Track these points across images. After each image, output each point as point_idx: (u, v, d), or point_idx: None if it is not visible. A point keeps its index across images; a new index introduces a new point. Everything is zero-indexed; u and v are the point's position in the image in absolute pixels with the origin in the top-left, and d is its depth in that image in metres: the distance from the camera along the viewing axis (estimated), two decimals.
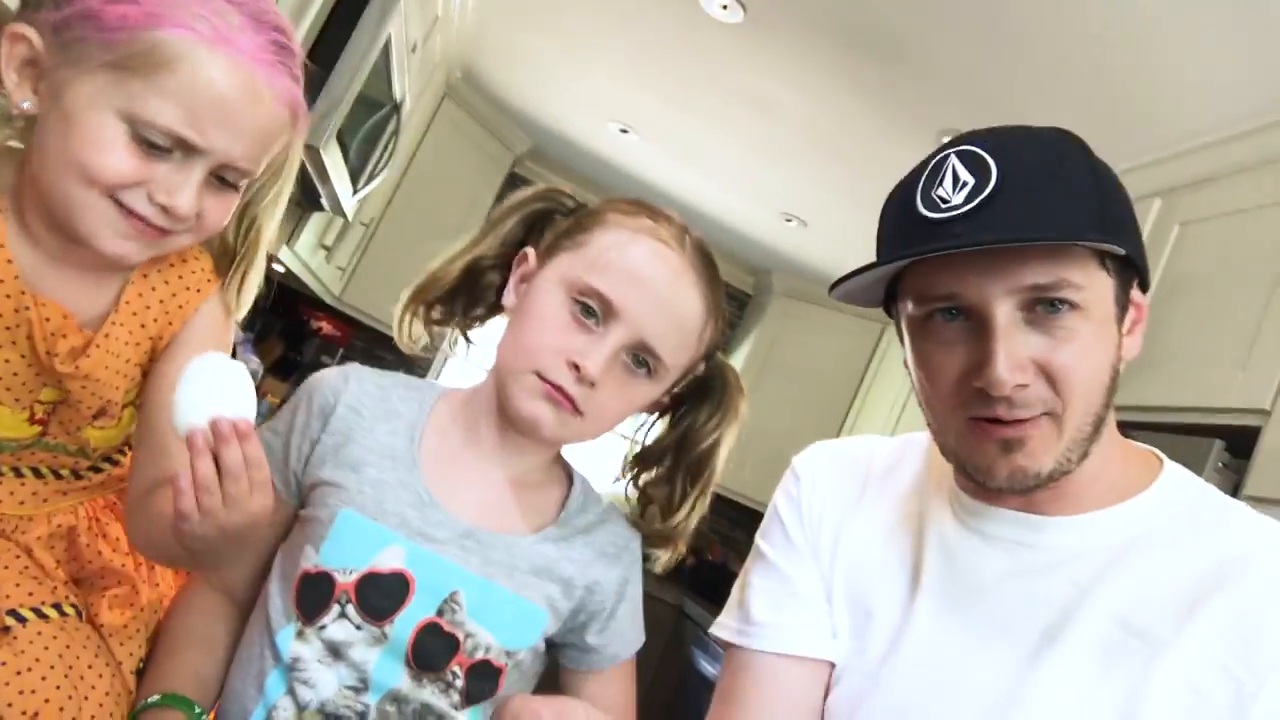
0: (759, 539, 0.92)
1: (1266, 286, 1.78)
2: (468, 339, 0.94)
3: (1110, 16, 1.86)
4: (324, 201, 2.33)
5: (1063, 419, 0.72)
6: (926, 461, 0.89)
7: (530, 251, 0.86)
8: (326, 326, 3.97)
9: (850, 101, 2.71)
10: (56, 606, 0.78)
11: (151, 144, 0.67)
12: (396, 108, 2.29)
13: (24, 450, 0.79)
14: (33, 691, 0.72)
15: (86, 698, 0.75)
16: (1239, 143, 2.00)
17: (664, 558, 0.90)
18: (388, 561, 0.77)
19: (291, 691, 0.76)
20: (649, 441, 0.92)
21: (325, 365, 4.25)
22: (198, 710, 0.77)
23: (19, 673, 0.72)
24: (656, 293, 0.79)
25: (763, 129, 3.16)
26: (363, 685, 0.76)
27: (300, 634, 0.77)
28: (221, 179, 0.72)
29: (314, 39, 1.68)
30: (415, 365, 4.60)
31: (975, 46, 2.14)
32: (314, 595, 0.77)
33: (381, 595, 0.76)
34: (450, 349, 0.97)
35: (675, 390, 0.88)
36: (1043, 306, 0.70)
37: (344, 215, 2.59)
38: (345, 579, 0.76)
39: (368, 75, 1.83)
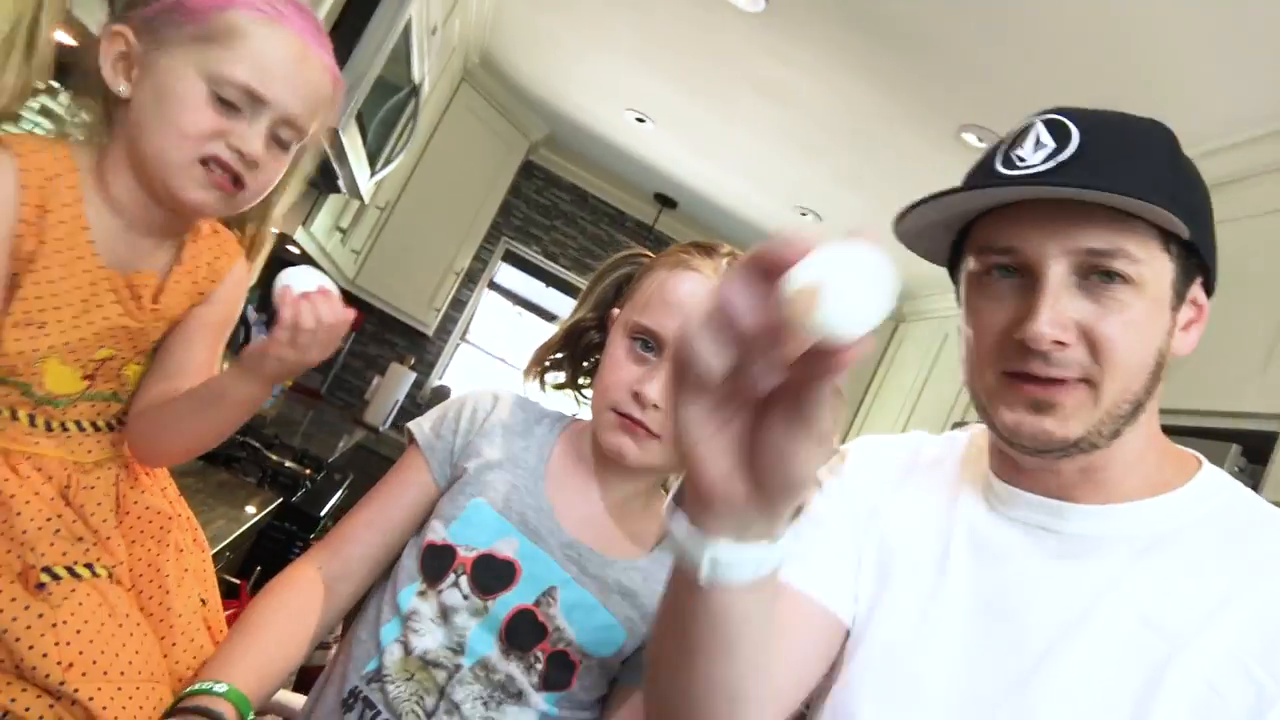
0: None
1: None
2: (581, 394, 1.05)
3: (1132, 15, 1.84)
4: (341, 183, 2.33)
5: (1100, 388, 0.72)
6: (964, 453, 0.90)
7: (616, 311, 0.97)
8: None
9: (869, 94, 2.69)
10: (89, 566, 0.84)
11: (226, 101, 0.83)
12: (415, 90, 2.28)
13: (70, 405, 0.90)
14: (68, 643, 0.78)
15: (118, 654, 0.81)
16: (1261, 144, 1.98)
17: None
18: (504, 549, 0.89)
19: (404, 639, 0.88)
20: None
21: (337, 348, 4.27)
22: (250, 717, 0.80)
23: (54, 625, 0.79)
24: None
25: (780, 120, 3.14)
26: (460, 648, 0.87)
27: (422, 593, 0.89)
28: (278, 139, 0.87)
29: (335, 19, 1.67)
30: (428, 348, 4.61)
31: (995, 42, 2.12)
32: (436, 563, 0.89)
33: (492, 576, 0.89)
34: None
35: None
36: (1097, 275, 0.71)
37: (360, 198, 2.58)
38: (465, 554, 0.89)
39: (388, 57, 1.83)
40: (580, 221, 4.84)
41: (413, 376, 4.31)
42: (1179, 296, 0.74)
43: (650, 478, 0.97)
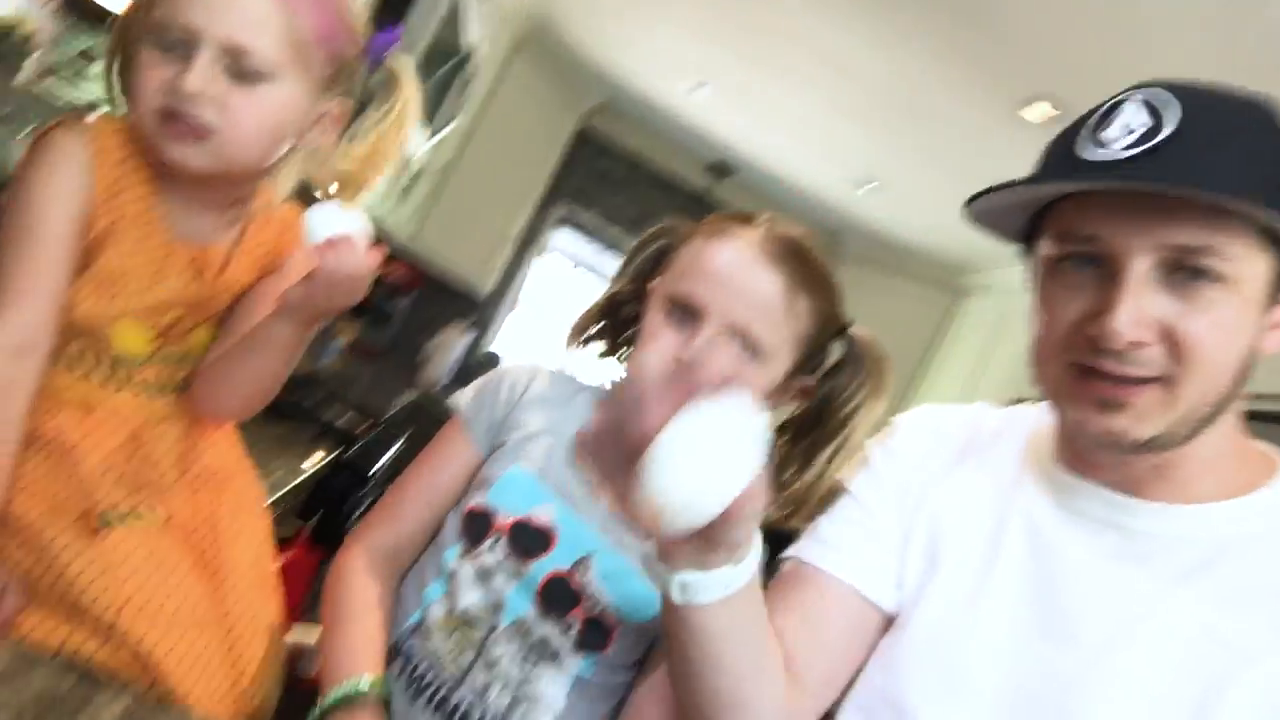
0: (845, 483, 0.91)
1: None
2: (620, 361, 1.04)
3: None
4: None
5: (1177, 389, 0.68)
6: (1030, 434, 0.86)
7: (653, 283, 0.96)
8: (396, 271, 4.04)
9: (929, 62, 2.63)
10: (145, 513, 0.87)
11: (167, 48, 0.81)
12: (468, 57, 2.31)
13: (141, 366, 0.93)
14: (121, 585, 0.81)
15: (169, 597, 0.83)
16: None
17: (799, 517, 0.92)
18: (541, 515, 0.90)
19: (446, 598, 0.90)
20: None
21: (391, 310, 4.36)
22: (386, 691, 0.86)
23: (108, 568, 0.81)
24: (731, 282, 0.87)
25: (839, 88, 3.09)
26: (498, 607, 0.89)
27: (464, 554, 0.91)
28: (235, 72, 0.83)
29: None
30: (484, 312, 4.67)
31: (1066, 9, 2.05)
32: (477, 527, 0.91)
33: (529, 540, 0.90)
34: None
35: (810, 371, 0.94)
36: (1185, 272, 0.66)
37: (416, 162, 2.62)
38: (503, 520, 0.90)
39: (440, 23, 1.84)
40: (636, 187, 4.82)
41: (468, 339, 4.37)
42: (1275, 296, 0.69)
43: None
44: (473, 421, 0.98)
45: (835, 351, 0.97)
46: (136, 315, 0.90)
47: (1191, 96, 0.68)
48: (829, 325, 0.94)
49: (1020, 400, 0.97)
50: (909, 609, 0.81)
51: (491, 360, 4.43)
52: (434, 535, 0.97)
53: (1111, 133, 0.69)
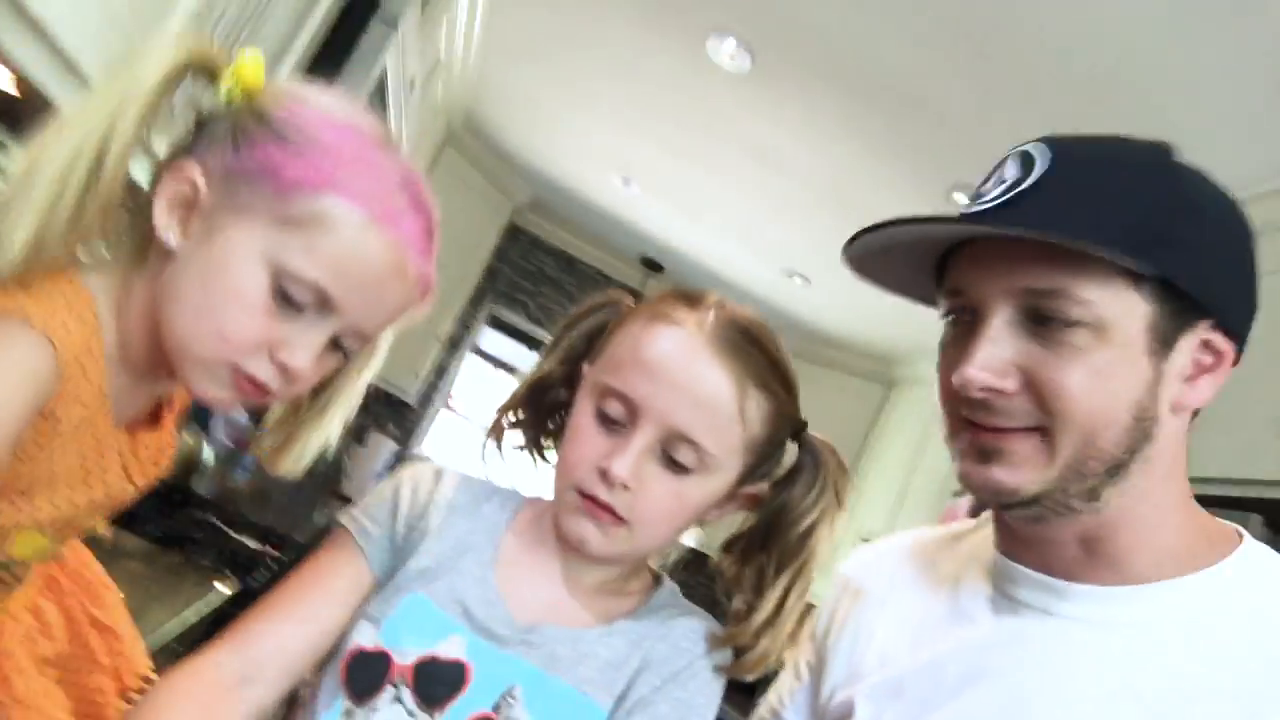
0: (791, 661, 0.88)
1: None
2: (543, 457, 0.89)
3: (1125, 72, 1.80)
4: None
5: (1054, 439, 0.65)
6: (984, 532, 0.82)
7: (585, 367, 0.84)
8: None
9: (858, 155, 2.65)
10: None
11: (289, 299, 0.68)
12: None
13: (23, 563, 0.77)
14: None
15: None
16: (1263, 203, 1.92)
17: (751, 659, 0.79)
18: (449, 649, 0.76)
19: None
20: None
21: None
22: None
23: None
24: (673, 379, 0.75)
25: (768, 182, 3.10)
26: None
27: (348, 713, 0.74)
28: (336, 343, 0.73)
29: (306, 68, 1.61)
30: (410, 417, 4.49)
31: (987, 98, 2.08)
32: (367, 674, 0.75)
33: (438, 682, 0.74)
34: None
35: (761, 477, 0.83)
36: (1046, 318, 0.65)
37: None
38: (403, 660, 0.74)
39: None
40: (566, 286, 4.78)
41: (393, 446, 4.19)
42: (1163, 342, 0.65)
43: (619, 564, 0.83)
44: (366, 537, 0.81)
45: (789, 454, 0.84)
46: (46, 525, 0.74)
47: (1066, 146, 0.67)
48: (784, 426, 0.82)
49: (959, 492, 0.92)
50: None
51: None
52: (305, 672, 0.78)
53: (987, 186, 0.69)
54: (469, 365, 4.76)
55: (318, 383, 0.78)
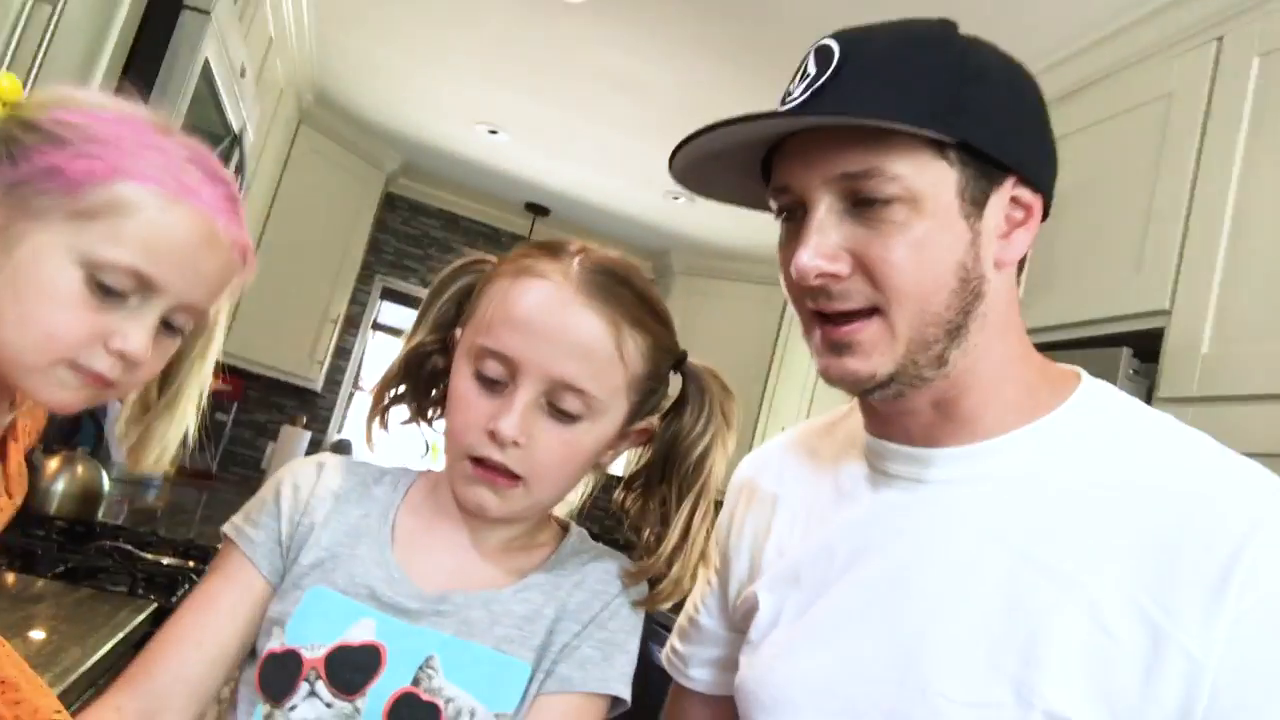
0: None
1: (1146, 185, 1.78)
2: (431, 426, 0.89)
3: None
4: None
5: (891, 317, 0.68)
6: (857, 416, 0.85)
7: (458, 332, 0.83)
8: (215, 382, 3.74)
9: (712, 66, 2.65)
10: None
11: (108, 289, 0.67)
12: (238, 139, 2.14)
13: None
14: None
15: None
16: (1104, 47, 2.00)
17: (665, 588, 0.81)
18: (358, 635, 0.75)
19: None
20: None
21: (220, 423, 4.05)
22: None
23: None
24: (548, 331, 0.75)
25: (632, 108, 3.08)
26: None
27: (268, 716, 0.74)
28: (168, 324, 0.72)
29: (121, 69, 1.53)
30: (319, 404, 4.41)
31: None
32: (280, 675, 0.74)
33: (352, 669, 0.74)
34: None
35: (649, 412, 0.83)
36: (864, 200, 0.67)
37: None
38: (313, 655, 0.74)
39: (190, 104, 1.68)
40: (454, 245, 4.70)
41: (308, 435, 4.11)
42: (974, 204, 0.68)
43: (522, 523, 0.84)
44: (251, 545, 0.80)
45: (674, 386, 0.86)
46: None
47: (858, 35, 0.70)
48: (664, 359, 0.82)
49: None
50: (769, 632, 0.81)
51: (344, 448, 4.18)
52: (213, 692, 0.78)
53: (792, 85, 0.72)
54: (374, 342, 4.68)
55: (163, 376, 0.78)
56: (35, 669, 0.82)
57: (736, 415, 0.86)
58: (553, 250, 0.79)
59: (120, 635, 1.30)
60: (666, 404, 0.86)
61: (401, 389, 0.87)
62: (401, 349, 0.87)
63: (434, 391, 0.88)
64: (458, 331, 0.82)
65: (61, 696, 0.89)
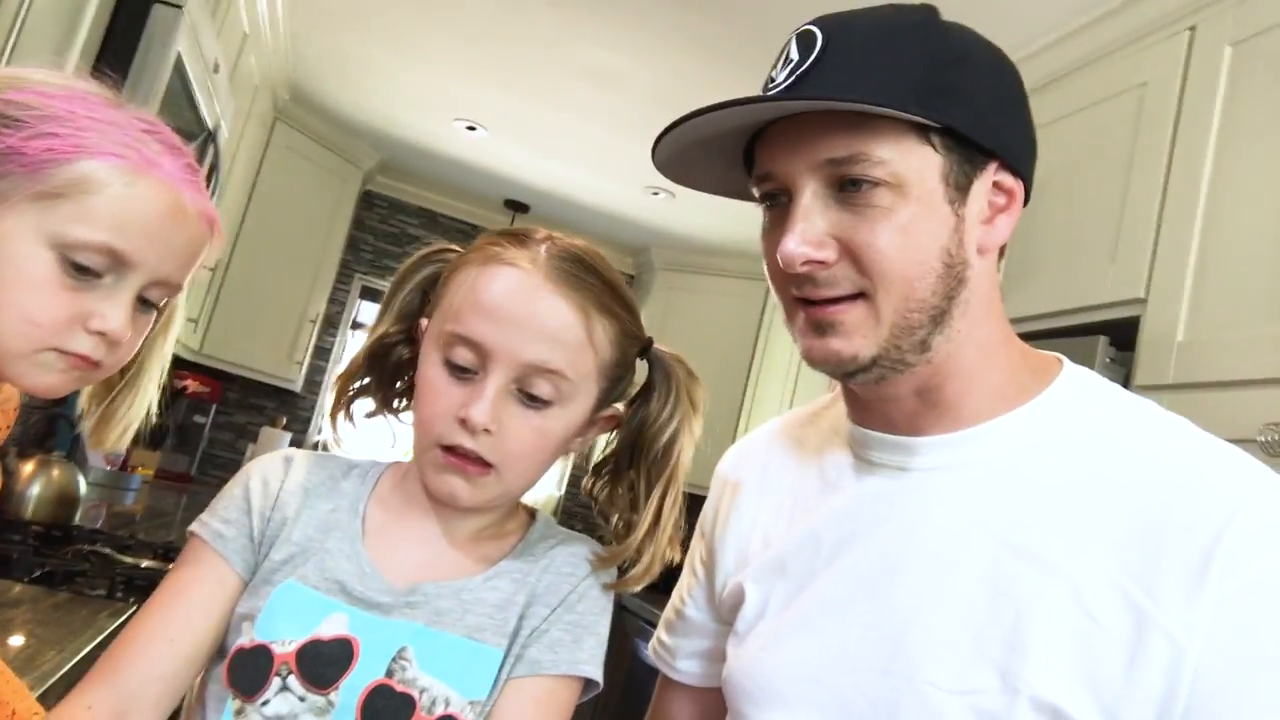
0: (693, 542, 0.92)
1: (1120, 176, 1.80)
2: (399, 418, 0.89)
3: None
4: None
5: (875, 302, 0.68)
6: (840, 404, 0.85)
7: (424, 322, 0.82)
8: (193, 384, 3.72)
9: (691, 59, 2.65)
10: None
11: (82, 269, 0.68)
12: (212, 136, 2.11)
13: None
14: None
15: None
16: (1078, 37, 2.02)
17: (636, 572, 0.82)
18: (330, 629, 0.75)
19: None
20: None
21: (199, 425, 4.01)
22: None
23: None
24: (518, 317, 0.75)
25: (611, 103, 3.08)
26: None
27: (239, 712, 0.73)
28: (144, 300, 0.73)
29: (92, 64, 1.51)
30: (299, 405, 4.37)
31: None
32: (250, 670, 0.73)
33: (324, 663, 0.74)
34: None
35: (616, 399, 0.84)
36: (849, 185, 0.67)
37: None
38: (284, 649, 0.74)
39: (163, 101, 1.66)
40: (432, 243, 4.67)
41: (288, 437, 4.08)
42: (958, 189, 0.68)
43: (494, 511, 0.84)
44: (221, 540, 0.79)
45: (640, 374, 0.86)
46: None
47: (841, 20, 0.70)
48: (631, 346, 0.83)
49: None
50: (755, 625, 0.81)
51: (325, 449, 4.15)
52: (185, 687, 0.77)
53: (775, 71, 0.71)
54: (353, 342, 4.65)
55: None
56: (14, 673, 0.81)
57: (703, 400, 0.86)
58: (520, 238, 0.80)
59: (99, 639, 1.29)
60: (633, 391, 0.86)
61: (366, 381, 0.87)
62: (366, 340, 0.87)
63: (399, 383, 0.88)
64: (423, 321, 0.82)
65: (40, 700, 0.88)
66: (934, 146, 0.67)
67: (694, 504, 0.86)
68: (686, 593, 0.93)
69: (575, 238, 0.82)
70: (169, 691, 0.75)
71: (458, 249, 0.85)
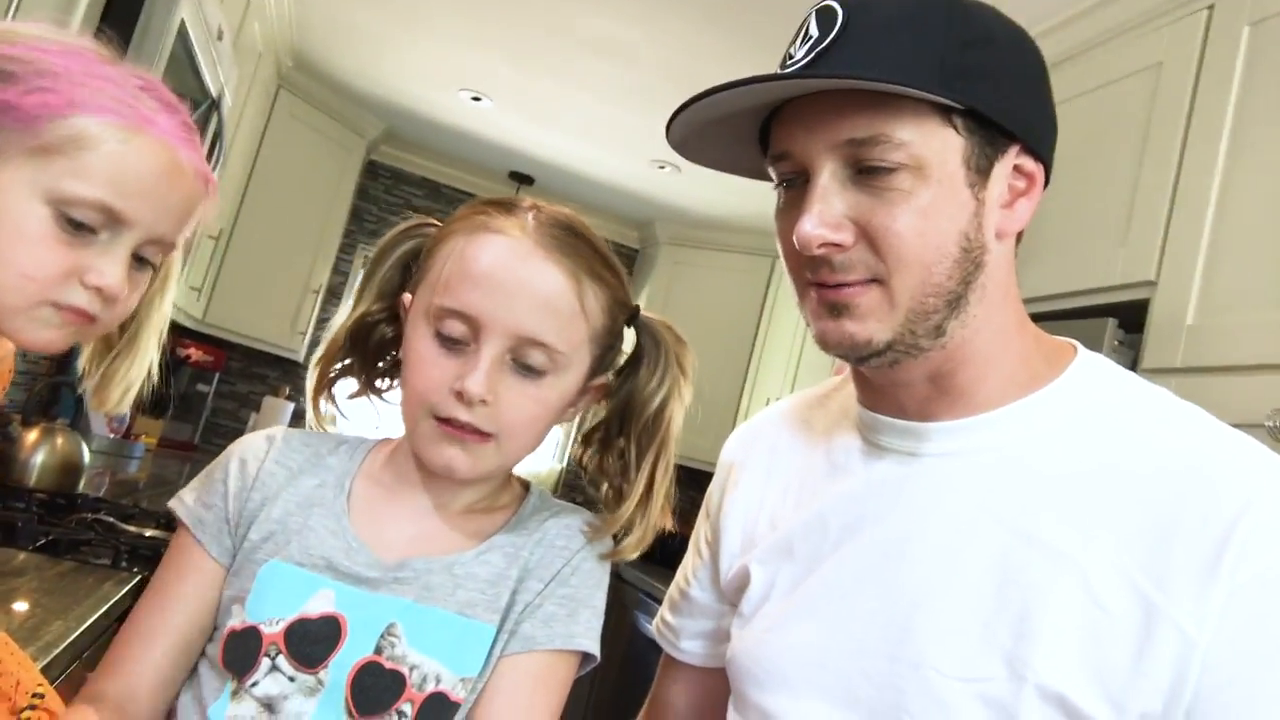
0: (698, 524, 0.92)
1: (1133, 157, 1.78)
2: (381, 398, 0.89)
3: None
4: None
5: (891, 287, 0.67)
6: (850, 387, 0.84)
7: (408, 297, 0.81)
8: (196, 353, 3.71)
9: (700, 30, 2.61)
10: None
11: (78, 224, 0.67)
12: (215, 104, 2.09)
13: None
14: None
15: None
16: (1093, 15, 1.99)
17: (630, 541, 0.83)
18: (317, 607, 0.75)
19: None
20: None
21: (202, 394, 4.01)
22: None
23: None
24: (510, 286, 0.74)
25: (618, 75, 3.04)
26: None
27: (235, 693, 0.74)
28: (140, 258, 0.73)
29: (93, 31, 1.49)
30: (301, 375, 4.37)
31: None
32: (241, 652, 0.74)
33: (312, 641, 0.73)
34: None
35: (606, 367, 0.84)
36: (869, 167, 0.66)
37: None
38: (272, 629, 0.74)
39: (166, 70, 1.65)
40: (437, 215, 4.63)
41: (291, 406, 4.09)
42: (979, 172, 0.67)
43: (489, 482, 0.83)
44: (201, 526, 0.80)
45: (628, 342, 0.86)
46: None
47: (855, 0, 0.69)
48: (620, 313, 0.82)
49: None
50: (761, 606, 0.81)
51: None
52: (186, 672, 0.79)
53: (794, 48, 0.70)
54: None
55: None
56: (18, 643, 0.81)
57: (693, 365, 0.86)
58: (506, 206, 0.79)
59: (104, 608, 1.29)
60: (620, 359, 0.86)
61: (348, 361, 0.86)
62: (345, 320, 0.85)
63: (382, 362, 0.87)
64: (406, 297, 0.81)
65: (45, 670, 0.89)
66: (956, 128, 0.66)
67: (683, 476, 0.86)
68: (691, 573, 0.93)
69: (560, 205, 0.81)
70: (168, 680, 0.77)
71: (437, 222, 0.84)
